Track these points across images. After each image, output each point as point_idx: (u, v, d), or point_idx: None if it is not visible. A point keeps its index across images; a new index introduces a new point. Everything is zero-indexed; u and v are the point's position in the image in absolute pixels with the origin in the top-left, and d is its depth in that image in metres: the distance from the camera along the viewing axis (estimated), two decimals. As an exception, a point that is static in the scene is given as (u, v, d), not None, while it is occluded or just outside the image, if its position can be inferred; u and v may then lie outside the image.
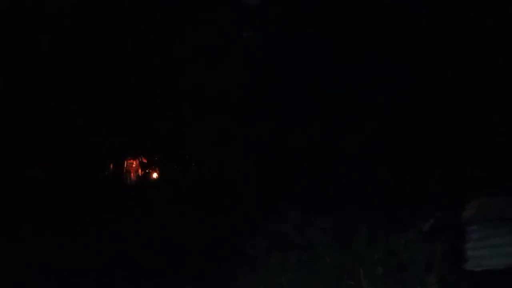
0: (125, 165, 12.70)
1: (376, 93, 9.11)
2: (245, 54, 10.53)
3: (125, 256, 8.70)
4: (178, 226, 9.19)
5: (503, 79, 8.53)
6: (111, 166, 12.38)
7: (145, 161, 12.40)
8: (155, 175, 12.35)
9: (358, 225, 7.24)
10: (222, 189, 9.87)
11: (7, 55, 10.49)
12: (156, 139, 11.51)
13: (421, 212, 7.27)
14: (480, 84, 8.65)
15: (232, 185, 9.82)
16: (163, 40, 10.80)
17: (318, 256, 7.11)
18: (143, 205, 10.65)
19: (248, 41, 10.62)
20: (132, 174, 12.73)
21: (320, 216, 7.54)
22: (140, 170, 12.60)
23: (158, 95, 11.05)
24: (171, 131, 11.14)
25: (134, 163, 12.71)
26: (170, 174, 11.77)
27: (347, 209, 7.62)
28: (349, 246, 7.08)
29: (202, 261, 8.15)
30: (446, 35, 9.10)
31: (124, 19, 10.67)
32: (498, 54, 8.71)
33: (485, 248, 6.68)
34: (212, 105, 10.52)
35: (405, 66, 9.12)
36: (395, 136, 8.85)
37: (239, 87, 10.31)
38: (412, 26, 9.20)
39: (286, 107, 9.74)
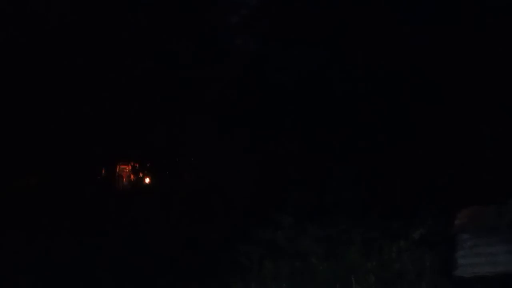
0: (118, 170, 12.68)
1: (371, 104, 9.11)
2: (239, 59, 10.50)
3: (115, 262, 8.66)
4: (169, 233, 9.16)
5: (495, 95, 8.58)
6: (103, 170, 12.35)
7: (137, 166, 12.39)
8: (147, 180, 12.34)
9: (350, 234, 7.26)
10: (215, 196, 9.85)
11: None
12: (149, 144, 11.48)
13: (413, 221, 7.30)
14: (471, 96, 8.67)
15: (225, 192, 9.80)
16: (157, 47, 10.78)
17: (311, 265, 7.11)
18: (135, 210, 10.63)
19: (243, 46, 10.58)
20: (124, 178, 12.72)
21: (313, 225, 7.55)
22: (132, 175, 12.59)
23: (151, 101, 11.02)
24: (164, 137, 11.12)
25: (127, 168, 12.69)
26: (162, 180, 11.76)
27: (340, 219, 7.64)
28: (342, 255, 7.10)
29: (194, 268, 8.12)
30: (446, 44, 9.10)
31: (118, 27, 10.64)
32: (495, 61, 8.74)
33: (476, 256, 6.68)
34: (205, 112, 10.50)
35: (400, 79, 9.12)
36: (387, 146, 8.85)
37: (232, 94, 10.28)
38: (412, 32, 9.19)
39: (281, 115, 9.72)
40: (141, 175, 12.46)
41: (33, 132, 11.04)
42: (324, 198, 8.42)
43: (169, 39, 10.57)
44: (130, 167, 12.48)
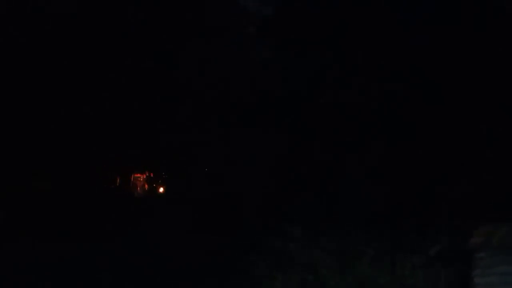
0: (132, 179, 12.72)
1: (384, 114, 9.05)
2: (251, 68, 10.49)
3: (128, 270, 8.62)
4: (181, 242, 9.12)
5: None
6: (118, 179, 12.39)
7: (151, 175, 12.42)
8: (161, 189, 12.35)
9: (364, 248, 7.15)
10: (227, 206, 9.82)
11: (20, 67, 10.51)
12: (163, 154, 11.51)
13: (428, 237, 7.18)
14: (486, 109, 8.58)
15: (237, 202, 9.76)
16: (172, 55, 10.83)
17: (323, 278, 7.00)
18: (148, 219, 10.63)
19: (256, 54, 10.59)
20: (138, 188, 12.75)
21: (326, 237, 7.46)
22: (146, 185, 12.62)
23: (166, 111, 11.07)
24: (177, 147, 11.14)
25: (141, 177, 12.73)
26: (176, 190, 11.76)
27: (353, 231, 7.54)
28: (354, 269, 6.98)
29: (204, 279, 8.05)
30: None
31: (134, 36, 10.71)
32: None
33: (493, 276, 6.54)
34: (218, 122, 10.51)
35: (412, 88, 9.05)
36: (402, 159, 8.76)
37: (245, 103, 10.28)
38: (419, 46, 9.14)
39: (293, 125, 9.69)
40: (154, 185, 12.50)
41: (50, 140, 11.13)
42: (337, 210, 8.33)
43: (179, 45, 10.61)
44: (145, 176, 12.52)
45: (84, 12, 10.37)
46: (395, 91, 8.83)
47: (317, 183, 9.00)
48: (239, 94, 10.30)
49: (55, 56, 10.56)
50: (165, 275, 8.44)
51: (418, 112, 8.82)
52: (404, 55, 8.95)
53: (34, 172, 11.16)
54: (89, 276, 8.29)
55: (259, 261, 7.42)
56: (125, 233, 9.90)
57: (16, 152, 10.77)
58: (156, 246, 9.27)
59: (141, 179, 12.71)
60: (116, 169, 12.24)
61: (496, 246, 6.64)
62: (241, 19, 10.57)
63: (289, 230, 7.65)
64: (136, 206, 11.61)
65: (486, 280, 6.52)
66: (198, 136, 10.79)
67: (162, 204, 11.55)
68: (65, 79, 10.72)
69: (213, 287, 7.81)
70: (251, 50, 10.49)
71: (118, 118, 11.13)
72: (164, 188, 12.21)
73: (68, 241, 9.46)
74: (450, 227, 7.28)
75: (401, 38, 9.05)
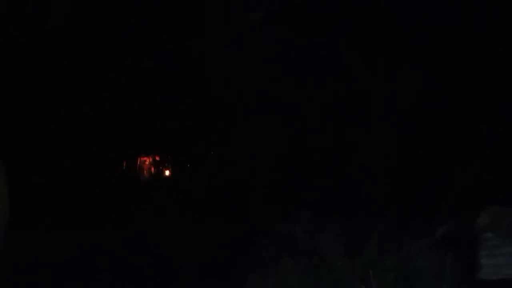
0: (138, 162, 12.76)
1: (389, 100, 9.03)
2: (259, 57, 10.46)
3: (134, 253, 8.67)
4: (188, 226, 9.16)
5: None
6: (124, 163, 12.43)
7: (158, 158, 12.45)
8: (167, 172, 12.39)
9: (370, 231, 7.17)
10: (234, 191, 9.85)
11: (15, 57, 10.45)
12: (170, 137, 11.51)
13: (434, 219, 7.17)
14: (493, 94, 8.53)
15: (244, 187, 9.79)
16: (178, 43, 10.78)
17: (329, 261, 7.03)
18: (154, 202, 10.67)
19: (263, 44, 10.56)
20: (144, 171, 12.79)
21: (332, 221, 7.49)
22: (152, 168, 12.66)
23: (173, 94, 11.04)
24: (185, 131, 11.14)
25: (147, 160, 12.77)
26: (182, 173, 11.79)
27: (360, 215, 7.55)
28: (361, 252, 7.01)
29: (210, 263, 8.10)
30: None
31: (140, 25, 10.63)
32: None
33: (499, 256, 6.51)
34: (225, 107, 10.50)
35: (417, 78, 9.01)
36: (408, 143, 8.75)
37: (253, 89, 10.26)
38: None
39: (300, 111, 9.68)
40: (161, 167, 12.54)
41: (55, 123, 11.14)
42: (343, 193, 8.35)
43: (190, 36, 10.56)
44: (151, 160, 12.56)
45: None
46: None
47: (324, 168, 9.01)
48: (248, 79, 10.29)
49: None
50: (171, 259, 8.49)
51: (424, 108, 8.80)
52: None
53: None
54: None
55: (266, 245, 7.45)
56: (130, 218, 9.94)
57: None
58: (161, 233, 9.31)
59: (147, 162, 12.76)
60: (122, 152, 12.27)
61: (502, 228, 6.61)
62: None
63: (296, 215, 7.67)
64: (142, 189, 11.62)
65: (492, 261, 6.49)
66: (204, 121, 10.79)
67: (168, 187, 11.57)
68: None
69: (220, 272, 7.86)
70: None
71: (124, 101, 11.13)
72: (170, 171, 12.24)
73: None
74: (457, 210, 7.28)
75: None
